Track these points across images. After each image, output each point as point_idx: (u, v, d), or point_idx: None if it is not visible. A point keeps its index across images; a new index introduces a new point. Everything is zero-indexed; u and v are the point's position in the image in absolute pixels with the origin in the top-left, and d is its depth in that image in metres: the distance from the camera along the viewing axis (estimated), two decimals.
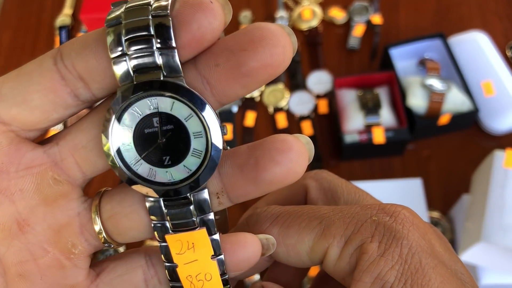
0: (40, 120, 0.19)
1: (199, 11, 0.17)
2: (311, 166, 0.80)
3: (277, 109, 0.86)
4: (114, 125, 0.19)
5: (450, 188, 0.77)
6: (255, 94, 0.87)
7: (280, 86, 0.88)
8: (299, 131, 0.85)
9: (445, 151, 0.81)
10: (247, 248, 0.21)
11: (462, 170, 0.78)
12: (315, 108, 0.86)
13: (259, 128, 0.86)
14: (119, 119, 0.18)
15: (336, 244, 0.22)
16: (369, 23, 0.93)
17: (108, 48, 0.17)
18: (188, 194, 0.19)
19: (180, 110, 0.18)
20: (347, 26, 0.94)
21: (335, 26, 0.95)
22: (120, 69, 0.18)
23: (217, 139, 0.19)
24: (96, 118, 0.20)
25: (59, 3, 1.03)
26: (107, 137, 0.19)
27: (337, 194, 0.26)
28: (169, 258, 0.21)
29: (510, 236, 0.56)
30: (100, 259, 0.65)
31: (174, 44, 0.17)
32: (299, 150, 0.19)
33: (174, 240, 0.20)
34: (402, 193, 0.74)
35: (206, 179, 0.19)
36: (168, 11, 0.17)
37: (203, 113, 0.18)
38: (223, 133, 0.19)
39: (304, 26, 0.94)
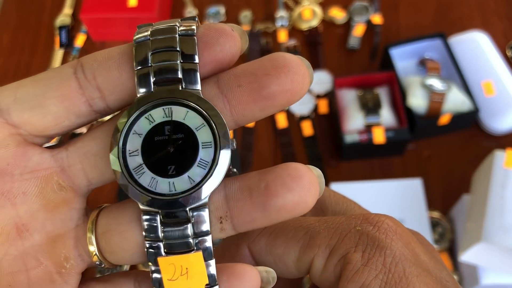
0: (50, 126, 0.19)
1: (223, 36, 0.19)
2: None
3: None
4: (125, 131, 0.19)
5: (450, 188, 0.77)
6: None
7: None
8: (299, 131, 0.85)
9: (445, 151, 0.81)
10: (245, 281, 0.20)
11: (462, 170, 0.78)
12: (315, 108, 0.86)
13: (259, 128, 0.86)
14: (131, 125, 0.19)
15: (321, 254, 0.22)
16: (369, 23, 0.93)
17: (133, 61, 0.18)
18: (187, 209, 0.19)
19: (193, 119, 0.19)
20: (347, 26, 0.94)
21: (335, 26, 0.95)
22: (142, 80, 0.18)
23: (225, 151, 0.19)
24: (111, 128, 0.20)
25: (59, 3, 1.03)
26: (116, 141, 0.19)
27: (325, 204, 0.26)
28: (160, 285, 0.19)
29: (510, 236, 0.56)
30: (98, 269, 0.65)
31: (197, 60, 0.18)
32: (311, 179, 0.19)
33: (167, 264, 0.19)
34: (402, 193, 0.74)
35: (209, 191, 0.19)
36: (195, 32, 0.18)
37: (216, 124, 0.18)
38: (233, 146, 0.19)
39: (304, 26, 0.94)
